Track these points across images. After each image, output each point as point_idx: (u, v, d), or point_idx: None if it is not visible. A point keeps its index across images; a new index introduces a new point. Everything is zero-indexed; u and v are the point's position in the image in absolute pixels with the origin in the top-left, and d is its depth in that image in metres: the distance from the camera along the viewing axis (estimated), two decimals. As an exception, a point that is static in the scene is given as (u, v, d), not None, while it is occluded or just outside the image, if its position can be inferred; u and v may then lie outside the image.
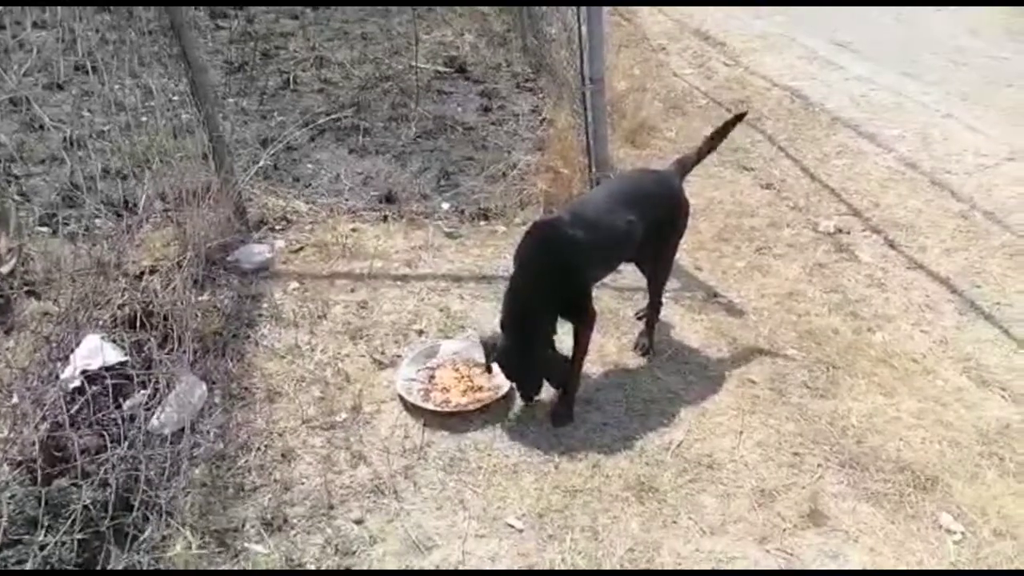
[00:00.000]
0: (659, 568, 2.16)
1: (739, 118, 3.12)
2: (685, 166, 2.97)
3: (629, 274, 3.20)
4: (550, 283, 2.56)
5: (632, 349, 3.00)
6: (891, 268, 3.55)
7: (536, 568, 2.16)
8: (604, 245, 2.64)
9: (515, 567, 2.16)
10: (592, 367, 2.89)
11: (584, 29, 3.64)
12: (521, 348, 2.58)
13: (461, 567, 2.16)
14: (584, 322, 2.68)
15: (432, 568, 2.16)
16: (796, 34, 6.94)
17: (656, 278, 2.95)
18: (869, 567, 2.17)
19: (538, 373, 2.66)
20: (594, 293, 2.77)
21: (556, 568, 2.16)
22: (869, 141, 4.82)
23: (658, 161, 4.47)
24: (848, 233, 3.83)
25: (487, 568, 2.16)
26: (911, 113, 5.24)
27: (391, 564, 2.17)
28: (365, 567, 2.16)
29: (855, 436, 2.61)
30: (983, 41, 6.65)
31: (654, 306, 2.98)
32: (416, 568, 2.16)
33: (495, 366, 2.68)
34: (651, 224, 2.73)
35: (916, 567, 2.17)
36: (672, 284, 3.11)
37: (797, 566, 2.17)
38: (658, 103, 5.23)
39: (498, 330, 2.66)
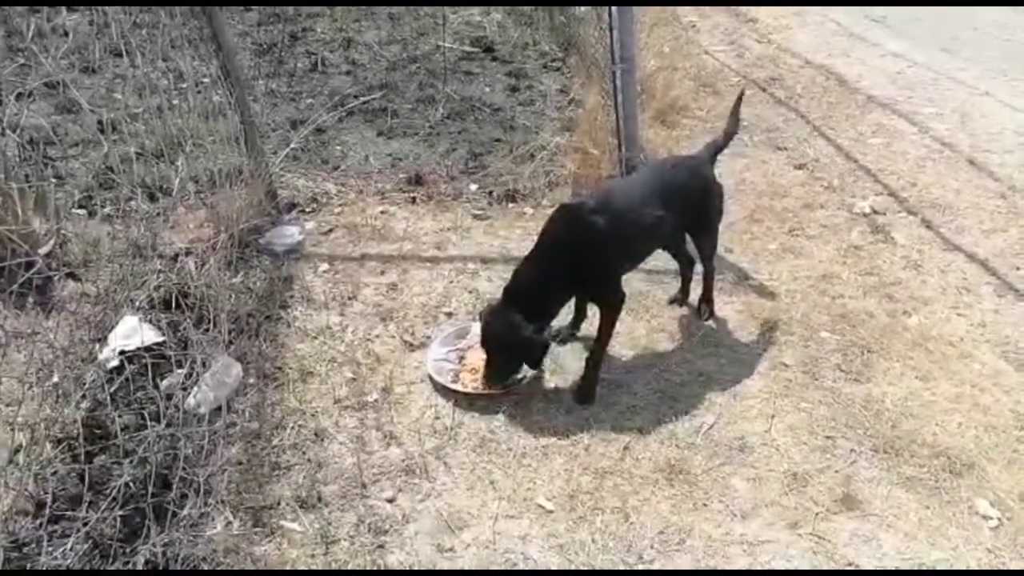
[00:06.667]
0: (690, 551, 2.16)
1: (740, 96, 3.13)
2: (718, 147, 3.01)
3: (658, 256, 3.17)
4: (567, 265, 2.57)
5: (698, 318, 3.07)
6: (928, 250, 3.48)
7: (567, 548, 2.17)
8: (628, 235, 2.64)
9: (546, 548, 2.18)
10: (622, 350, 2.89)
11: (614, 7, 3.58)
12: (512, 318, 2.56)
13: (492, 547, 2.18)
14: (609, 305, 2.69)
15: (464, 546, 2.19)
16: (829, 10, 6.78)
17: (703, 253, 3.02)
18: (903, 552, 2.16)
19: (518, 350, 2.62)
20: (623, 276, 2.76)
21: (587, 549, 2.17)
22: (906, 120, 4.71)
23: (687, 142, 4.43)
24: (884, 214, 3.76)
25: (519, 549, 2.18)
26: (949, 90, 5.11)
27: (423, 543, 2.20)
28: (397, 546, 2.18)
29: (890, 420, 2.58)
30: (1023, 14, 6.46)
31: (708, 273, 3.07)
32: (447, 547, 2.19)
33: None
34: (686, 214, 2.79)
35: (951, 553, 2.15)
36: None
37: (829, 551, 2.16)
38: (689, 82, 5.16)
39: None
